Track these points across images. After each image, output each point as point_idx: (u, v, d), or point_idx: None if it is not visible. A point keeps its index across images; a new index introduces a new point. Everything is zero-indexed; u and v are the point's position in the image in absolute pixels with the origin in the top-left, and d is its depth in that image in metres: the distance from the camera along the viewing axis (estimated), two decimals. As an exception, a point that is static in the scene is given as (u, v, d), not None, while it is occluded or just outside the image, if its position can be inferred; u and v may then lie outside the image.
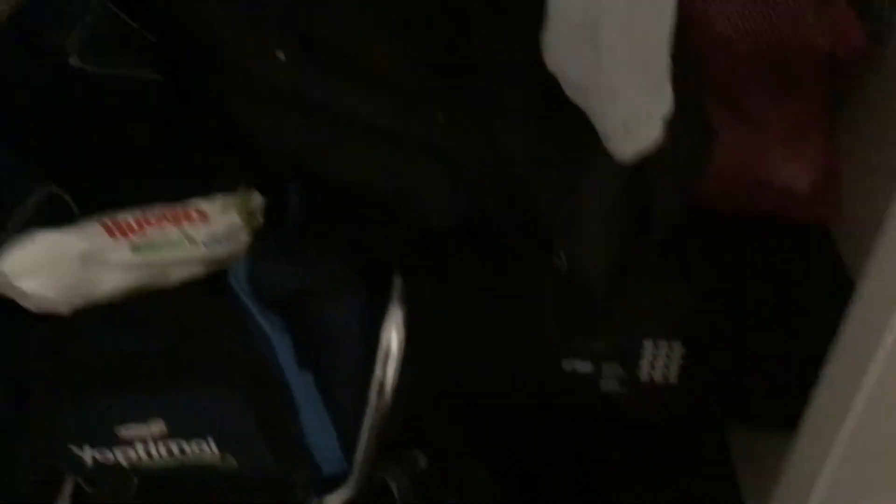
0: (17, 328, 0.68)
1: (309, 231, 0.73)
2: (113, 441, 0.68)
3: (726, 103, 0.82)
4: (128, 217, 0.70)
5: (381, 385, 0.70)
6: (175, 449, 0.68)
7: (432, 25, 0.71)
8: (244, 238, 0.73)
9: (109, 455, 0.68)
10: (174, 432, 0.68)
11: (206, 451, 0.68)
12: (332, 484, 0.71)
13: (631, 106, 0.62)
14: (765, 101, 0.83)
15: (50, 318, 0.68)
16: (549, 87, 0.66)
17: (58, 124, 0.79)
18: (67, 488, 0.72)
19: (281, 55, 0.72)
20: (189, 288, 0.71)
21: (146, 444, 0.68)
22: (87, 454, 0.68)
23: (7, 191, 0.71)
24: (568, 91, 0.63)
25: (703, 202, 0.84)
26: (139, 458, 0.68)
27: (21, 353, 0.68)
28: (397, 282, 0.71)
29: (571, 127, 0.67)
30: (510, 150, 0.69)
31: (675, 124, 0.70)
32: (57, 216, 0.71)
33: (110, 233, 0.68)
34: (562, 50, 0.61)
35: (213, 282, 0.72)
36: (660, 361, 0.84)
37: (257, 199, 0.75)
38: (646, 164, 0.70)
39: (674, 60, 0.67)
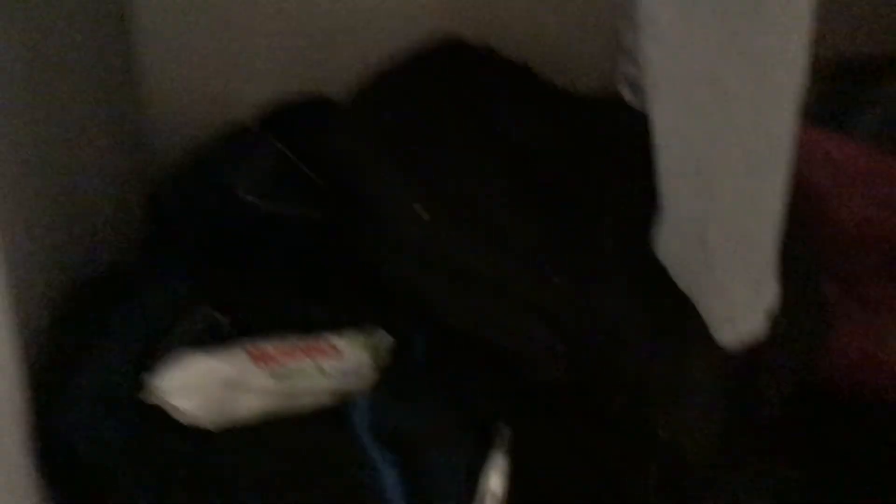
0: (164, 436, 0.77)
1: (429, 375, 0.79)
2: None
3: (847, 288, 0.84)
4: (270, 347, 0.78)
5: (481, 528, 0.74)
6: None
7: (558, 199, 0.77)
8: (370, 374, 0.80)
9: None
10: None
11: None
12: None
13: (735, 300, 0.66)
14: (886, 287, 0.84)
15: (194, 430, 0.76)
16: (660, 268, 0.70)
17: (221, 252, 0.89)
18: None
19: (421, 210, 0.80)
20: (315, 416, 0.78)
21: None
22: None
23: (171, 311, 0.81)
24: (675, 279, 0.68)
25: (820, 383, 0.85)
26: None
27: (166, 459, 0.76)
28: (504, 431, 0.76)
29: (678, 306, 0.71)
30: (618, 321, 0.74)
31: (789, 308, 0.72)
32: (212, 337, 0.80)
33: (254, 361, 0.77)
34: (671, 245, 0.66)
35: (337, 412, 0.79)
36: (763, 537, 0.84)
37: (385, 339, 0.82)
38: (755, 346, 0.73)
39: (793, 247, 0.70)
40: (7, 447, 0.72)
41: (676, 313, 0.72)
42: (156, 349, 0.77)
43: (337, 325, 0.82)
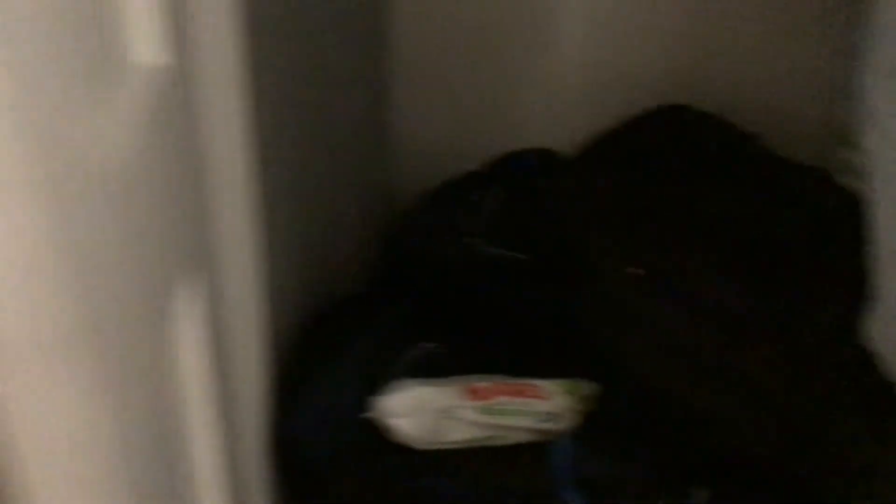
0: (381, 451, 0.85)
1: (631, 429, 0.83)
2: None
3: None
4: (482, 383, 0.85)
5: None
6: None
7: (770, 271, 0.79)
8: (573, 419, 0.85)
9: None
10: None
11: None
12: None
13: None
14: None
15: (408, 449, 0.84)
16: (869, 352, 0.71)
17: (445, 290, 0.97)
18: None
19: (633, 272, 0.84)
20: (517, 452, 0.84)
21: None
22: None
23: (397, 341, 0.90)
24: (888, 365, 0.68)
25: None
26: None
27: (380, 471, 0.84)
28: (701, 493, 0.78)
29: (888, 391, 0.71)
30: (826, 399, 0.74)
31: None
32: (431, 368, 0.88)
33: (466, 394, 0.84)
34: (884, 332, 0.67)
35: (538, 451, 0.84)
36: None
37: (591, 388, 0.86)
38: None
39: None
40: (249, 445, 0.82)
41: (886, 397, 0.72)
42: (381, 373, 0.86)
43: (545, 368, 0.87)
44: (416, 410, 0.82)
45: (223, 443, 0.69)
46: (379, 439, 0.84)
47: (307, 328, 0.91)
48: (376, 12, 1.06)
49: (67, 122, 0.38)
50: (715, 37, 1.05)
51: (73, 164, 0.37)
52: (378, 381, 0.85)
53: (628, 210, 0.85)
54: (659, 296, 0.81)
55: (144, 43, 0.48)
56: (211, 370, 0.64)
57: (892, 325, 0.66)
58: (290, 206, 0.85)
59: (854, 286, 0.69)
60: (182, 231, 0.58)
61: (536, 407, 0.85)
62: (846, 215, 0.69)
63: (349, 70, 0.99)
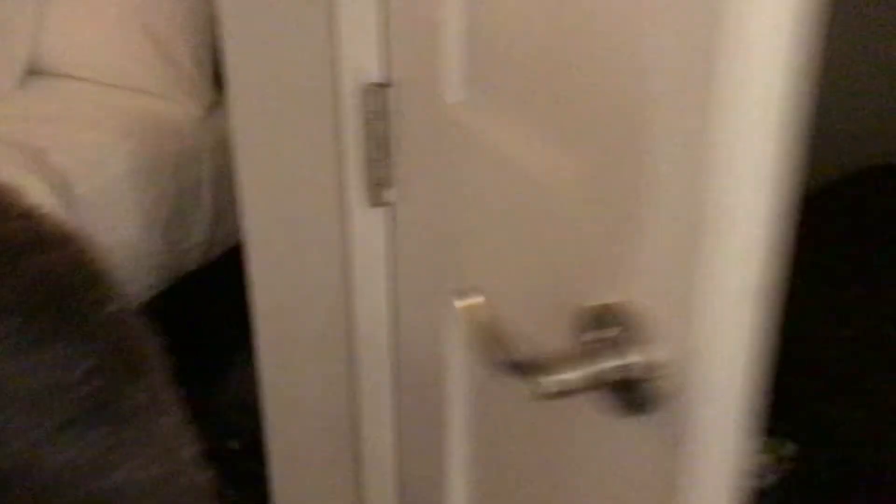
0: None
1: (831, 493, 0.81)
2: None
3: None
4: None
5: None
6: None
7: None
8: (770, 477, 0.84)
9: None
10: None
11: None
12: None
13: None
14: None
15: None
16: None
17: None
18: None
19: (844, 335, 0.82)
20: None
21: None
22: None
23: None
24: None
25: None
26: None
27: None
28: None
29: None
30: None
31: None
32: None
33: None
34: None
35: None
36: None
37: (789, 448, 0.85)
38: None
39: None
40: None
41: None
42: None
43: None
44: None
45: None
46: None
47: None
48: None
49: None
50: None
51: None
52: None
53: (838, 271, 0.84)
54: (870, 360, 0.79)
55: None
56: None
57: None
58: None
59: None
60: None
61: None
62: None
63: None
